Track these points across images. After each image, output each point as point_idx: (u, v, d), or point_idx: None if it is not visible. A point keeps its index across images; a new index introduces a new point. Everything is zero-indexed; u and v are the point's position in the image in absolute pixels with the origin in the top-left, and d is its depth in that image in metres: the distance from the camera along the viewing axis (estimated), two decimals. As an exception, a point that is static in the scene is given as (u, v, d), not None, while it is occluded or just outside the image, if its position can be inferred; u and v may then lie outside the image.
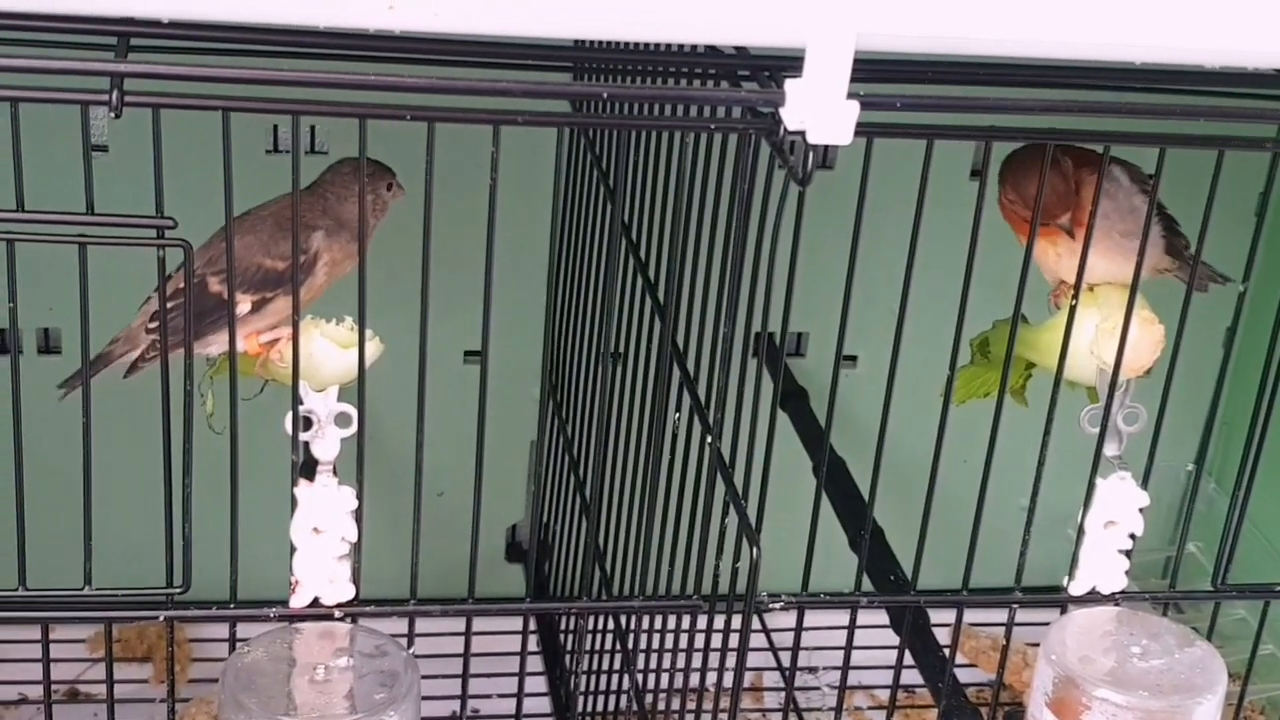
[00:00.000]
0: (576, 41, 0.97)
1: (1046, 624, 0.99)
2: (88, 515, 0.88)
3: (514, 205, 1.21)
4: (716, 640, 0.96)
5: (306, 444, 0.90)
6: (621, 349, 1.10)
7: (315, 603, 0.91)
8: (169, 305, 0.88)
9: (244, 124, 0.79)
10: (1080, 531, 0.99)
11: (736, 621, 0.94)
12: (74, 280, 0.83)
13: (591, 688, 1.21)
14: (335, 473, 0.90)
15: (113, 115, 0.75)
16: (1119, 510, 0.98)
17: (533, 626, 1.43)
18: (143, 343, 0.94)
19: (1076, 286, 0.93)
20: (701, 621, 0.97)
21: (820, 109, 0.76)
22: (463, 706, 1.00)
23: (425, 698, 0.91)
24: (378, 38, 0.79)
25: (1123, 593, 1.00)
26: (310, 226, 0.93)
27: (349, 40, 0.79)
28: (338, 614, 0.91)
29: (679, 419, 0.97)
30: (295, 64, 0.78)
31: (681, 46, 0.88)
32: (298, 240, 0.85)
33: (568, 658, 1.39)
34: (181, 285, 0.85)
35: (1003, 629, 1.01)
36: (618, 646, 1.15)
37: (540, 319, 0.94)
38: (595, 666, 1.20)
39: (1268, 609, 1.06)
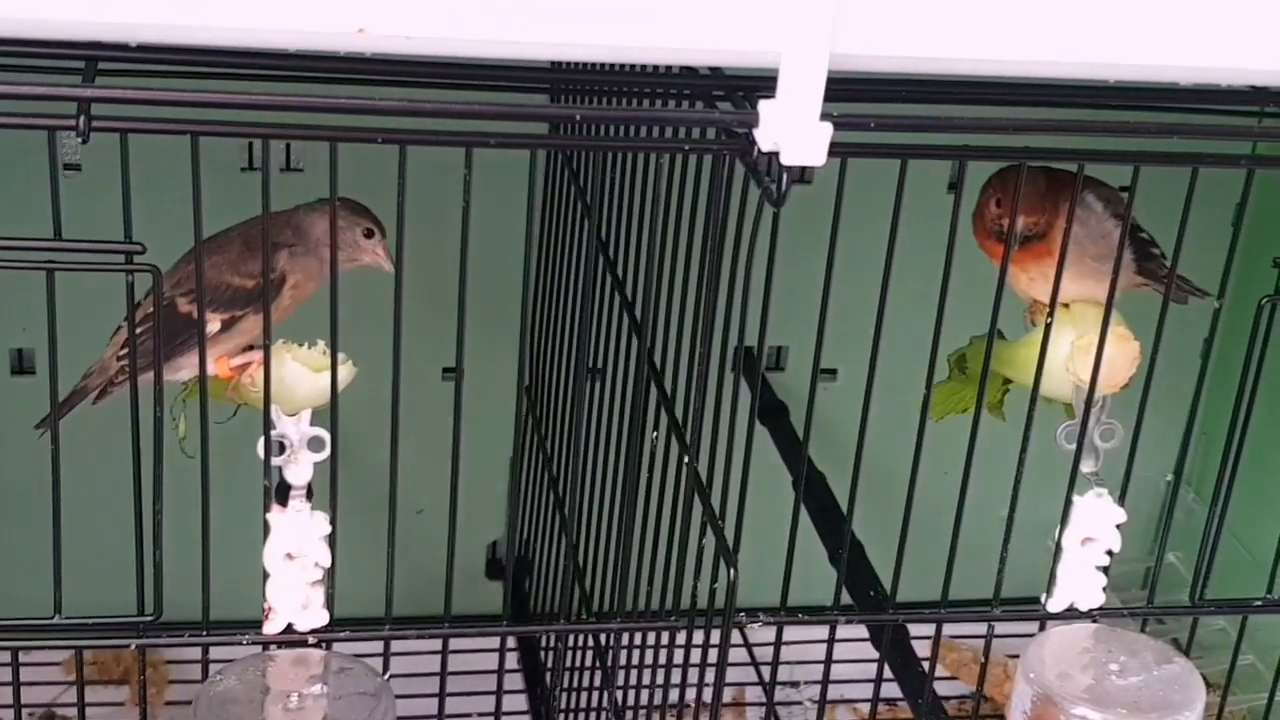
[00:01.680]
0: (552, 63, 0.97)
1: (1027, 635, 0.99)
2: (57, 542, 0.88)
3: (491, 222, 1.20)
4: (696, 656, 0.96)
5: (279, 469, 0.89)
6: (599, 366, 1.09)
7: (289, 629, 0.90)
8: (139, 330, 0.87)
9: (219, 141, 0.79)
10: (1058, 548, 0.99)
11: (716, 637, 0.93)
12: (46, 301, 0.83)
13: (572, 705, 1.21)
14: (309, 497, 0.90)
15: (81, 140, 0.74)
16: (1096, 527, 0.98)
17: (512, 644, 1.42)
18: (114, 371, 0.94)
19: (1052, 304, 0.93)
20: (681, 638, 0.96)
21: (794, 130, 0.76)
22: (440, 727, 1.00)
23: (403, 717, 0.90)
24: (349, 60, 0.78)
25: (1101, 609, 1.00)
26: (277, 245, 0.92)
27: (320, 63, 0.79)
28: (311, 640, 0.91)
29: (657, 438, 0.97)
30: (265, 87, 0.78)
31: (657, 67, 0.88)
32: (268, 262, 0.84)
33: (548, 675, 1.38)
34: (151, 310, 0.84)
35: (982, 641, 1.01)
36: (598, 664, 1.15)
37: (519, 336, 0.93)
38: (575, 684, 1.19)
39: (1246, 621, 1.06)
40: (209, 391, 0.87)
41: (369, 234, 0.96)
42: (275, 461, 0.89)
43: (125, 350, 0.89)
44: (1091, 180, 0.97)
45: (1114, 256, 0.93)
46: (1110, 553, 0.99)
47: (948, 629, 1.02)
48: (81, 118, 0.74)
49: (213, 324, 0.91)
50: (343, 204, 0.94)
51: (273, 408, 0.88)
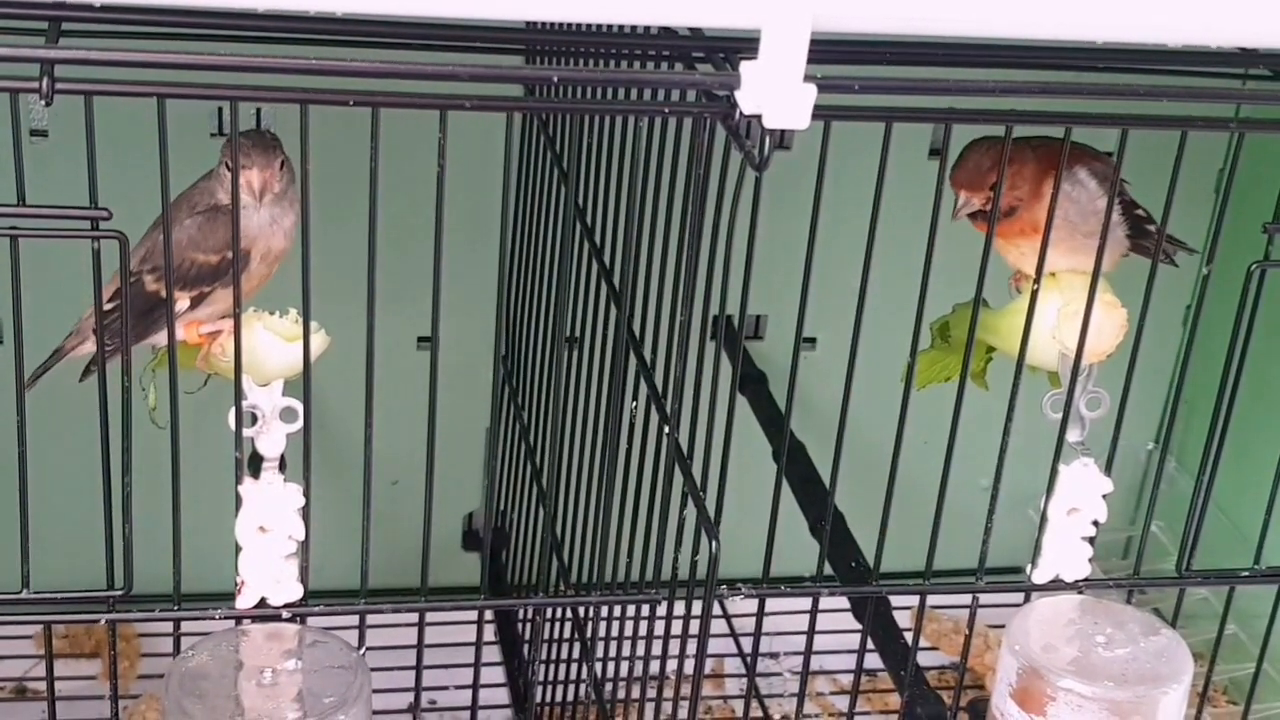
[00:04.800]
0: (528, 23, 0.95)
1: (1009, 606, 0.98)
2: (24, 515, 0.86)
3: (468, 188, 1.18)
4: (676, 628, 0.95)
5: (251, 440, 0.88)
6: (577, 335, 1.08)
7: (262, 603, 0.89)
8: (110, 307, 0.85)
9: (187, 106, 0.77)
10: (1043, 519, 0.98)
11: (696, 609, 0.92)
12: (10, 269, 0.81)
13: (550, 678, 1.19)
14: (283, 468, 0.88)
15: (44, 103, 0.72)
16: (1082, 497, 0.97)
17: (489, 617, 1.41)
18: (90, 338, 0.92)
19: (1038, 273, 0.92)
20: (661, 610, 0.95)
21: (776, 92, 0.74)
22: (416, 700, 0.99)
23: (382, 689, 0.89)
24: (320, 20, 0.77)
25: (1086, 580, 0.99)
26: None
27: (290, 23, 0.77)
28: (285, 614, 0.89)
29: (636, 408, 0.96)
30: (234, 48, 0.76)
31: (635, 28, 0.86)
32: (238, 230, 0.82)
33: (525, 647, 1.37)
34: (118, 287, 0.82)
35: (964, 611, 1.00)
36: (576, 636, 1.14)
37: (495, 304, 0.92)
38: (553, 656, 1.18)
39: (1233, 593, 1.05)
40: (179, 361, 0.85)
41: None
42: (247, 433, 0.88)
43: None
44: (1084, 153, 0.96)
45: (1107, 233, 0.91)
46: (1096, 523, 0.98)
47: (930, 599, 1.01)
48: (45, 79, 0.72)
49: (181, 301, 0.89)
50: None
51: (244, 378, 0.86)
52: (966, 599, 1.00)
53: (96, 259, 0.81)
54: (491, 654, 1.41)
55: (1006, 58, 0.86)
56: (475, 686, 0.98)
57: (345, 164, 0.95)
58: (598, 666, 1.06)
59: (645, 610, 0.97)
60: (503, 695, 1.38)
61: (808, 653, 1.00)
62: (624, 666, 1.01)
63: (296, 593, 0.89)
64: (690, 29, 0.82)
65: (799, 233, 0.86)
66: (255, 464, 0.88)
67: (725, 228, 0.84)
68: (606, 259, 1.05)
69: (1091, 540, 0.98)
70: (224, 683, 0.84)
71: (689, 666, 0.94)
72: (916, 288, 0.90)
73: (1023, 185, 0.95)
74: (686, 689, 0.95)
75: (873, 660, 1.05)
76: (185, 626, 0.90)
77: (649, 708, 1.00)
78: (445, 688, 1.35)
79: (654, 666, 0.98)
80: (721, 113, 0.78)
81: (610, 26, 0.89)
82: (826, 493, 0.97)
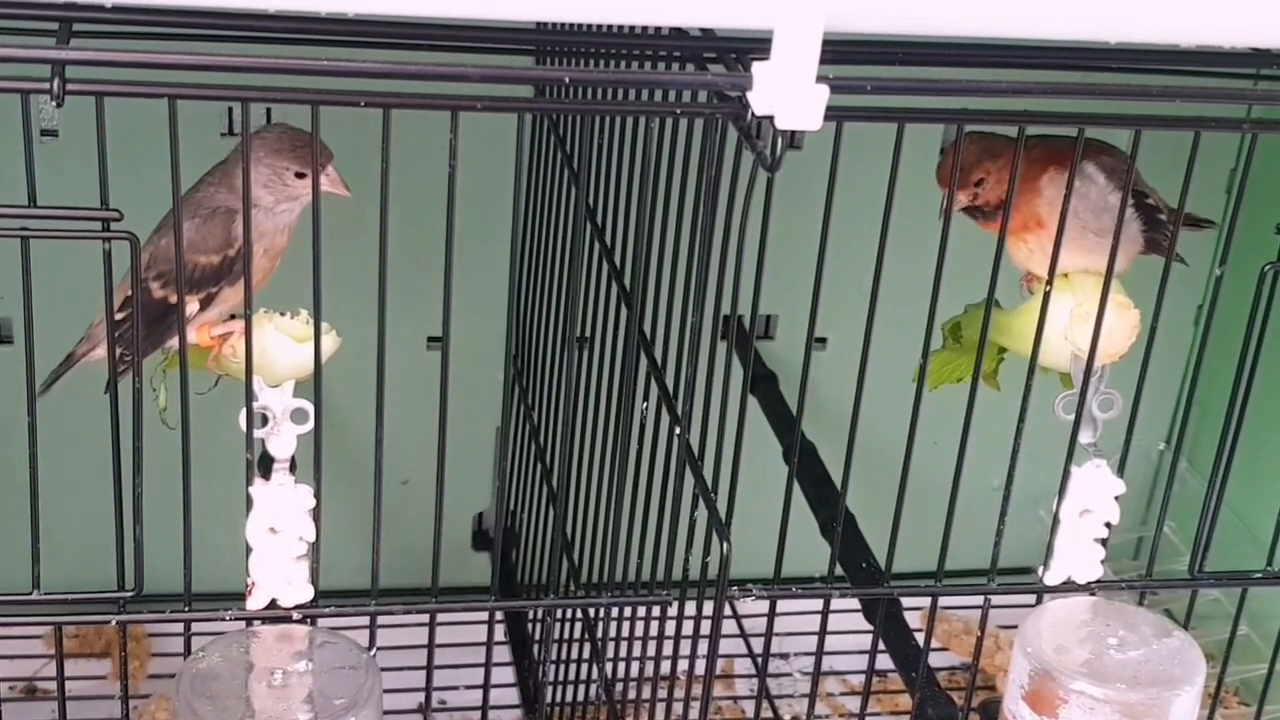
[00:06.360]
0: (538, 24, 0.95)
1: (1020, 607, 0.98)
2: (35, 516, 0.86)
3: (478, 189, 1.18)
4: (687, 628, 0.94)
5: (262, 441, 0.88)
6: (587, 335, 1.08)
7: (273, 604, 0.89)
8: (120, 316, 0.85)
9: (197, 107, 0.77)
10: (1055, 520, 0.97)
11: (707, 610, 0.92)
12: (21, 269, 0.81)
13: (560, 678, 1.19)
14: (293, 469, 0.88)
15: (55, 104, 0.72)
16: (1094, 498, 0.97)
17: (500, 617, 1.41)
18: (101, 343, 0.92)
19: (1050, 273, 0.92)
20: (672, 611, 0.95)
21: (789, 93, 0.74)
22: (427, 701, 0.99)
23: (392, 689, 0.89)
24: (331, 21, 0.77)
25: (1098, 581, 0.99)
26: (231, 211, 0.89)
27: (300, 24, 0.77)
28: (296, 615, 0.89)
29: (646, 408, 0.96)
30: (244, 49, 0.76)
31: (646, 28, 0.86)
32: (249, 230, 0.82)
33: (536, 647, 1.37)
34: (130, 293, 0.82)
35: (974, 612, 1.00)
36: (587, 636, 1.14)
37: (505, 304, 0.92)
38: (564, 656, 1.18)
39: (1245, 595, 1.05)
40: (189, 362, 0.85)
41: (301, 175, 0.89)
42: (258, 434, 0.87)
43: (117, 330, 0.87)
44: (1091, 146, 0.96)
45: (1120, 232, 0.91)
46: (1108, 524, 0.97)
47: (941, 601, 1.00)
48: (56, 80, 0.72)
49: (191, 305, 0.89)
50: (263, 139, 0.89)
51: (255, 379, 0.86)
52: (978, 600, 1.00)
53: (107, 260, 0.81)
54: (502, 654, 1.41)
55: (1019, 58, 0.86)
56: (485, 687, 0.98)
57: (356, 165, 0.95)
58: (608, 667, 1.06)
59: (656, 611, 0.97)
60: (513, 695, 1.38)
61: (819, 654, 1.00)
62: (634, 667, 1.01)
63: (307, 594, 0.89)
64: (702, 30, 0.82)
65: (810, 233, 0.86)
66: (266, 465, 0.88)
67: (736, 228, 0.83)
68: (617, 259, 1.04)
69: (1104, 542, 0.98)
70: (235, 684, 0.83)
71: (699, 667, 0.94)
72: (928, 288, 0.90)
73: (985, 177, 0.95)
74: (697, 690, 0.94)
75: (884, 661, 1.04)
76: (196, 627, 0.90)
77: (659, 708, 1.00)
78: (455, 688, 1.35)
79: (664, 667, 0.98)
80: (733, 113, 0.78)
81: (621, 27, 0.88)
82: (838, 493, 0.97)
